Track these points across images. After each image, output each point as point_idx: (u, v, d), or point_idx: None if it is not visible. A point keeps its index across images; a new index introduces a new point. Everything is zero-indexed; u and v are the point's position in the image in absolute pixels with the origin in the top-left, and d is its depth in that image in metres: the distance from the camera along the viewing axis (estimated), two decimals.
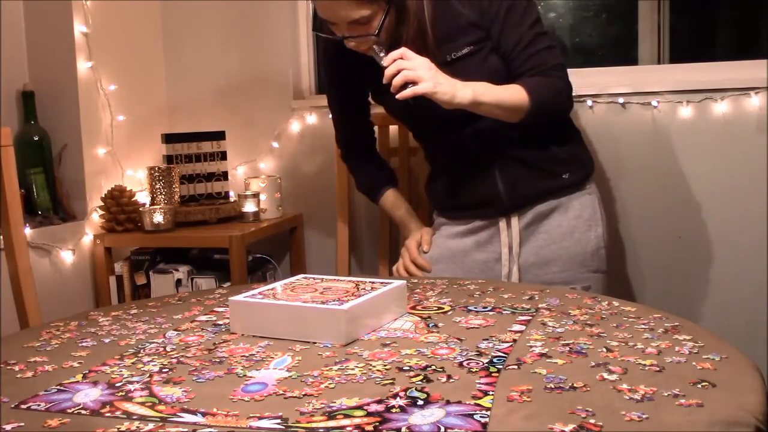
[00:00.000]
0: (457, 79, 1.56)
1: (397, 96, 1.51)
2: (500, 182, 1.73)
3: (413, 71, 1.50)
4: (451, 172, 1.83)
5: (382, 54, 1.57)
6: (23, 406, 0.97)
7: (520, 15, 1.63)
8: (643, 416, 0.85)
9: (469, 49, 1.65)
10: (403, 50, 1.53)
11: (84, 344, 1.24)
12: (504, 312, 1.32)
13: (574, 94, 2.34)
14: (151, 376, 1.06)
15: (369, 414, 0.89)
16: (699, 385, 0.94)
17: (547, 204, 1.73)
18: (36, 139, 2.29)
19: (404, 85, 1.51)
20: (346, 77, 1.85)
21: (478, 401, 0.91)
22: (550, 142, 1.73)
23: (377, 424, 0.86)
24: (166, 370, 1.08)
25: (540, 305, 1.35)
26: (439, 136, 1.78)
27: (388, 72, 1.51)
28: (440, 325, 1.25)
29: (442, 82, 1.52)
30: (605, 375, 0.99)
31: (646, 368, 1.01)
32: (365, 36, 1.58)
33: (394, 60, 1.52)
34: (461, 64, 1.64)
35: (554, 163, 1.73)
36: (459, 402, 0.91)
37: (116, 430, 0.88)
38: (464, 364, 1.05)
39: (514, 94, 1.60)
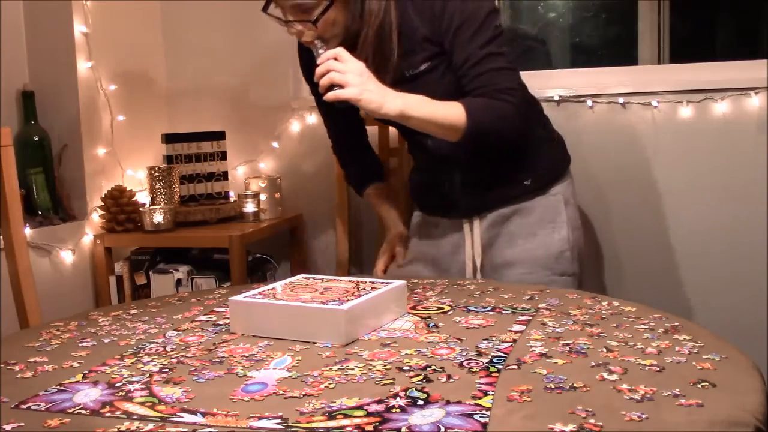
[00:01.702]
0: (420, 94, 1.53)
1: (324, 98, 1.47)
2: (461, 187, 1.72)
3: (342, 75, 1.44)
4: (422, 170, 1.86)
5: (321, 51, 1.52)
6: (23, 406, 0.97)
7: (472, 32, 1.56)
8: (643, 416, 0.85)
9: (426, 66, 1.60)
10: (338, 50, 1.47)
11: (84, 344, 1.24)
12: (504, 312, 1.32)
13: (574, 94, 2.37)
14: (151, 376, 1.06)
15: (369, 414, 0.89)
16: (699, 385, 0.94)
17: (509, 207, 1.72)
18: (36, 139, 2.29)
19: (332, 87, 1.46)
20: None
21: (478, 401, 0.91)
22: (512, 150, 1.69)
23: (377, 424, 0.86)
24: (166, 370, 1.08)
25: (540, 305, 1.35)
26: (403, 136, 1.79)
27: (318, 70, 1.47)
28: (440, 325, 1.25)
29: (371, 89, 1.46)
30: (605, 375, 0.99)
31: (646, 368, 1.01)
32: (303, 23, 1.53)
33: (327, 59, 1.47)
34: (420, 80, 1.60)
35: (515, 170, 1.71)
36: (459, 402, 0.91)
37: (116, 430, 0.88)
38: (464, 364, 1.05)
39: (450, 113, 1.53)
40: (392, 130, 2.31)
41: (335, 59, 1.46)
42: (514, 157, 1.70)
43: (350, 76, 1.45)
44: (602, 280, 2.42)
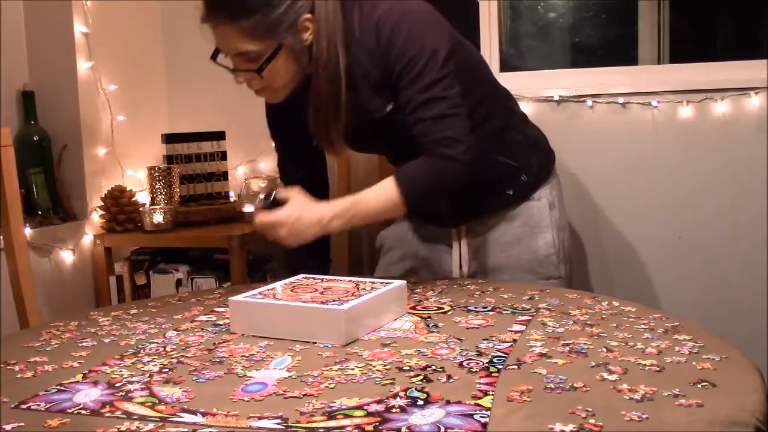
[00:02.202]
0: (393, 133, 1.53)
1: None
2: (445, 201, 1.69)
3: (276, 235, 1.46)
4: None
5: (261, 196, 1.52)
6: (23, 406, 0.97)
7: (416, 73, 1.48)
8: (643, 416, 0.85)
9: (391, 106, 1.55)
10: (261, 221, 1.47)
11: (84, 344, 1.24)
12: (504, 312, 1.32)
13: (574, 94, 2.37)
14: (151, 376, 1.06)
15: (369, 414, 0.89)
16: (699, 385, 0.94)
17: (494, 216, 1.70)
18: (36, 139, 2.29)
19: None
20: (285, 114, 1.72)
21: (478, 401, 0.91)
22: (492, 163, 1.66)
23: (377, 424, 0.86)
24: (166, 370, 1.08)
25: (540, 305, 1.35)
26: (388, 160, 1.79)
27: (256, 224, 1.49)
28: (440, 325, 1.25)
29: (305, 228, 1.45)
30: (605, 375, 0.99)
31: (646, 368, 1.01)
32: (247, 71, 1.49)
33: (257, 220, 1.48)
34: (390, 119, 1.56)
35: (498, 182, 1.69)
36: (459, 402, 0.91)
37: (116, 430, 0.88)
38: (464, 364, 1.05)
39: (383, 200, 1.49)
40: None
41: (267, 219, 1.47)
42: (495, 172, 1.68)
43: (282, 233, 1.45)
44: (602, 280, 2.42)
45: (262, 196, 1.53)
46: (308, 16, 1.48)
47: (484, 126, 1.62)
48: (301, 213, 1.46)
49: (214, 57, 1.55)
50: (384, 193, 1.50)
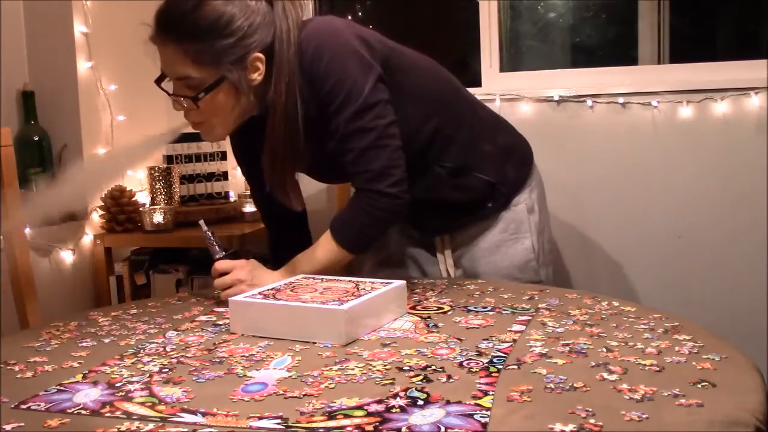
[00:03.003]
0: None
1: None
2: (425, 215, 1.69)
3: (233, 291, 1.43)
4: None
5: (217, 247, 1.52)
6: (23, 406, 0.97)
7: (339, 103, 1.43)
8: (643, 416, 0.85)
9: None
10: (219, 273, 1.47)
11: (84, 344, 1.24)
12: (504, 312, 1.32)
13: (574, 94, 2.37)
14: (151, 376, 1.06)
15: (369, 414, 0.89)
16: (699, 385, 0.94)
17: (475, 226, 1.69)
18: (36, 139, 2.29)
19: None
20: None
21: (478, 401, 0.91)
22: (468, 180, 1.64)
23: (377, 424, 0.86)
24: (166, 370, 1.08)
25: (540, 305, 1.35)
26: None
27: (214, 278, 1.48)
28: (440, 325, 1.25)
29: (257, 284, 1.43)
30: (605, 375, 0.99)
31: (646, 368, 1.01)
32: (185, 98, 1.42)
33: (217, 276, 1.48)
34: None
35: (476, 197, 1.67)
36: (459, 402, 0.91)
37: (116, 430, 0.88)
38: (464, 364, 1.05)
39: (327, 252, 1.48)
40: None
41: (224, 273, 1.47)
42: (471, 192, 1.66)
43: (241, 288, 1.43)
44: (602, 280, 2.42)
45: (218, 248, 1.52)
46: (259, 55, 1.42)
47: (454, 143, 1.60)
48: (252, 273, 1.47)
49: (159, 81, 1.50)
50: (325, 246, 1.49)
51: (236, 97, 1.43)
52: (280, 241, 1.79)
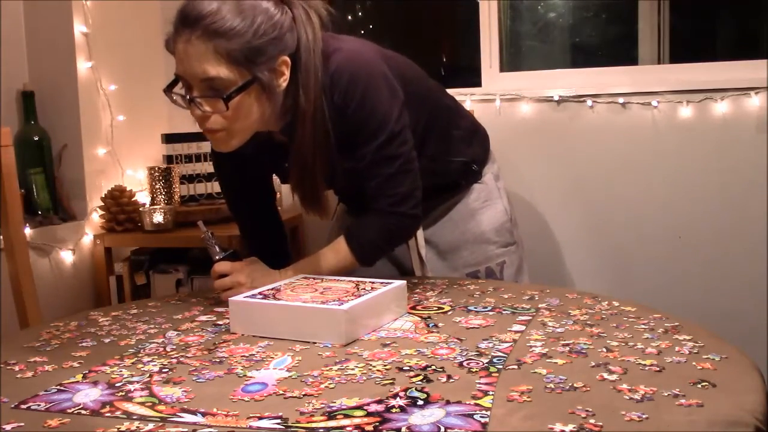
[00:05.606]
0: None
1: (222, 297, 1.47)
2: None
3: (234, 291, 1.43)
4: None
5: (217, 248, 1.51)
6: (23, 406, 0.97)
7: (370, 133, 1.45)
8: (643, 416, 0.85)
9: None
10: (219, 274, 1.46)
11: (84, 344, 1.24)
12: (504, 312, 1.32)
13: (574, 94, 2.37)
14: (151, 376, 1.06)
15: (369, 414, 0.89)
16: (699, 385, 0.94)
17: (448, 202, 1.74)
18: (36, 139, 2.29)
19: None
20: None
21: (478, 401, 0.91)
22: (446, 166, 1.69)
23: (377, 424, 0.86)
24: (166, 370, 1.08)
25: (540, 305, 1.35)
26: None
27: (214, 281, 1.48)
28: (440, 325, 1.25)
29: (257, 286, 1.41)
30: (605, 375, 0.99)
31: (646, 368, 1.01)
32: (211, 98, 1.32)
33: (216, 279, 1.47)
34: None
35: (451, 177, 1.72)
36: (459, 402, 0.91)
37: (116, 430, 0.88)
38: (464, 364, 1.05)
39: (338, 260, 1.50)
40: None
41: (224, 274, 1.46)
42: (449, 175, 1.71)
43: (241, 291, 1.40)
44: (603, 280, 2.42)
45: (218, 249, 1.51)
46: (286, 59, 1.37)
47: (432, 133, 1.63)
48: (253, 274, 1.47)
49: (169, 88, 1.40)
50: (338, 253, 1.51)
51: (261, 102, 1.37)
52: (258, 230, 1.78)
